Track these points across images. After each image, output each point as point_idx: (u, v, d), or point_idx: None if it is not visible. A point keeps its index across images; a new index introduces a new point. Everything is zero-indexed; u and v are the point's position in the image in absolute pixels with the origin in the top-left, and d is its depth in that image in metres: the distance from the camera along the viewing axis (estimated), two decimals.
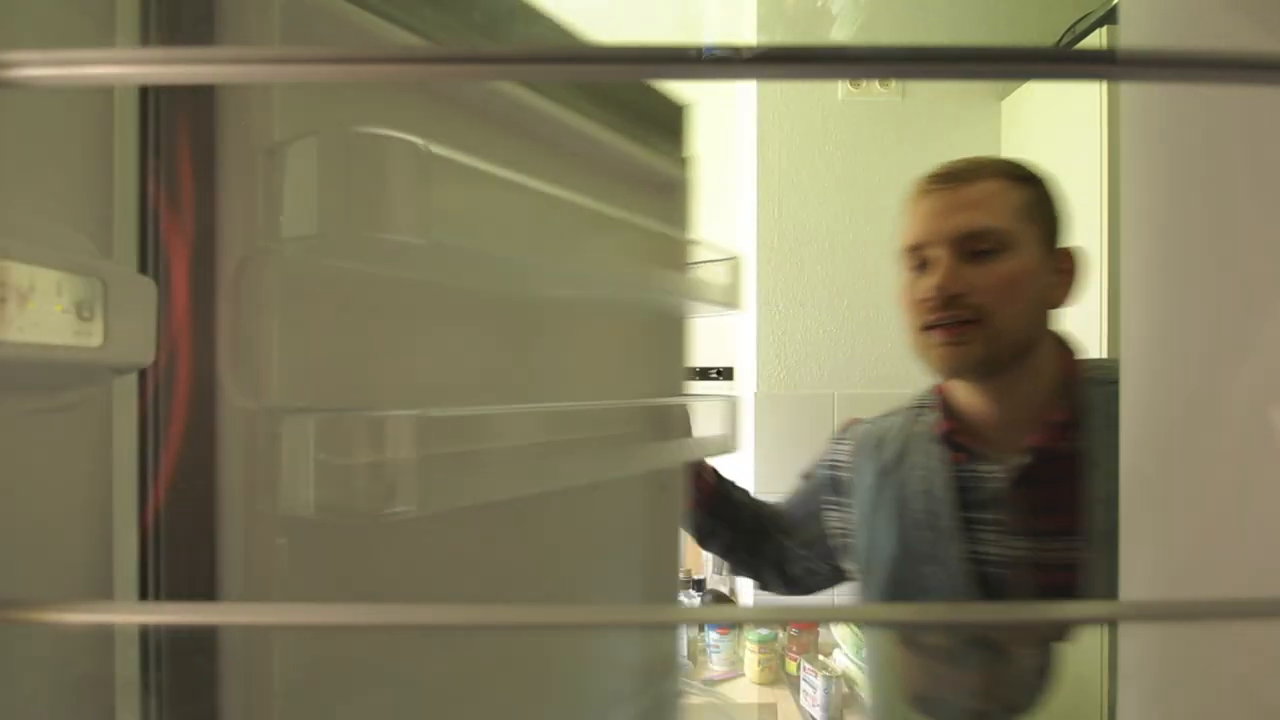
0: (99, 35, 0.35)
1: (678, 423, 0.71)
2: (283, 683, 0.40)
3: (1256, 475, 0.36)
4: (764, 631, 1.71)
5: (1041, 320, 0.84)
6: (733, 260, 0.72)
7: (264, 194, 0.39)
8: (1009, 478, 0.82)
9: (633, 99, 0.72)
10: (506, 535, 0.58)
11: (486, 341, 0.58)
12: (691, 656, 1.80)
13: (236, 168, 0.39)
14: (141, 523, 0.37)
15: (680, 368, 0.79)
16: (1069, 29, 1.67)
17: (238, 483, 0.39)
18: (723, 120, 2.30)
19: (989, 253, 0.80)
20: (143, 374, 0.37)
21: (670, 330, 0.78)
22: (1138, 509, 0.45)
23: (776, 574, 1.08)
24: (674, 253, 0.69)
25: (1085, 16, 1.62)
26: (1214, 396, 0.39)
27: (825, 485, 1.03)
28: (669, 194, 0.77)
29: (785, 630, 1.74)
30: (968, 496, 0.85)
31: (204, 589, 0.39)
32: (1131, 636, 0.44)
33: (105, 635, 0.36)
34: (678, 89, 0.79)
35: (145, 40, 0.36)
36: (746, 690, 1.72)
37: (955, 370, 0.83)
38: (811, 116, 1.90)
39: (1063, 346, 0.87)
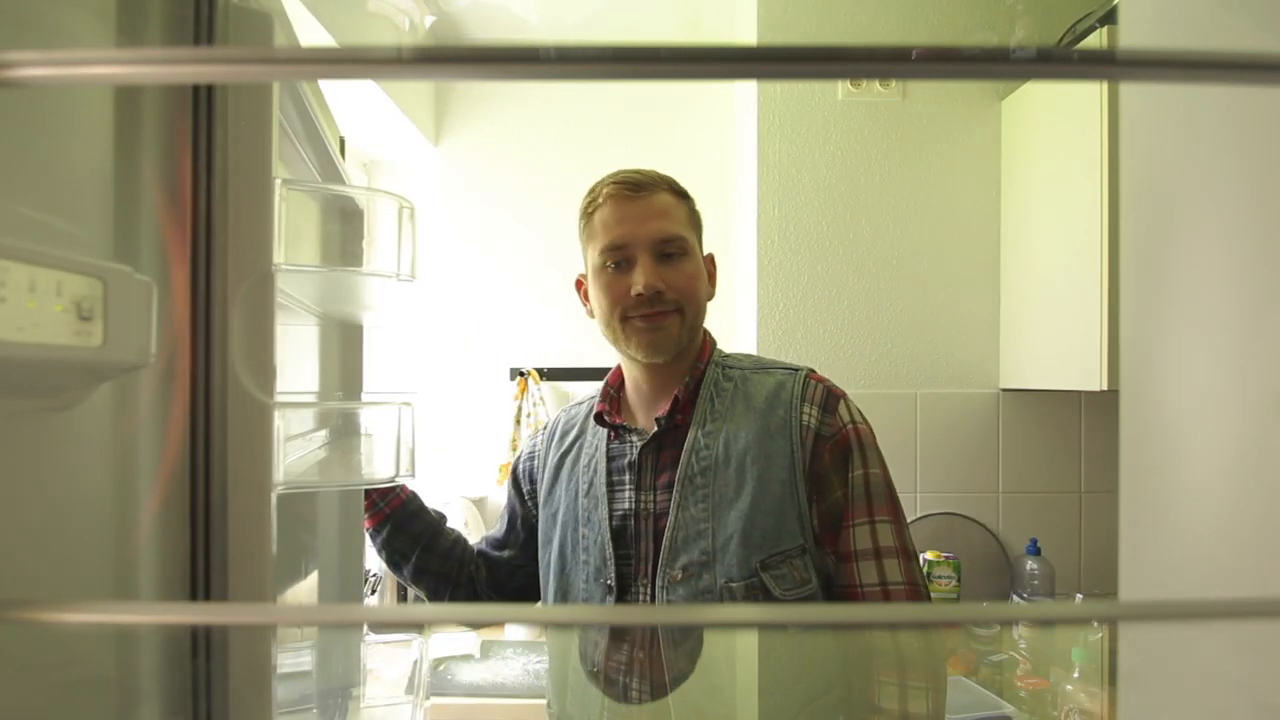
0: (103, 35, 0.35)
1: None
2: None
3: (1256, 475, 0.36)
4: None
5: (705, 311, 1.03)
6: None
7: (276, 221, 0.40)
8: (641, 445, 1.00)
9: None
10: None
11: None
12: None
13: (243, 187, 0.39)
14: (169, 517, 0.37)
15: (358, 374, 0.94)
16: (1069, 29, 1.67)
17: (243, 468, 0.40)
18: (723, 120, 2.30)
19: (675, 255, 0.97)
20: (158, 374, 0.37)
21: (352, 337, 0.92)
22: (1138, 509, 0.45)
23: (489, 594, 1.16)
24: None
25: (1085, 16, 1.62)
26: (1214, 396, 0.39)
27: (522, 478, 1.16)
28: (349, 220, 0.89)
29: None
30: (615, 464, 1.02)
31: (217, 573, 0.39)
32: (1131, 636, 0.44)
33: (111, 634, 0.36)
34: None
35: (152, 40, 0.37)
36: None
37: (655, 350, 0.98)
38: (811, 116, 1.90)
39: (707, 335, 1.07)
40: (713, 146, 2.29)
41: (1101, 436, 1.89)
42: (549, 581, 1.05)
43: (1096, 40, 1.55)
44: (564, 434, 1.11)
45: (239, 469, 0.40)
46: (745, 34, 2.01)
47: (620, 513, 0.99)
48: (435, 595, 1.15)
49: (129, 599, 0.36)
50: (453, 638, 1.92)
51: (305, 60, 0.20)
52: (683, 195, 1.02)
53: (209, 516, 0.41)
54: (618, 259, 0.97)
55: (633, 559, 0.97)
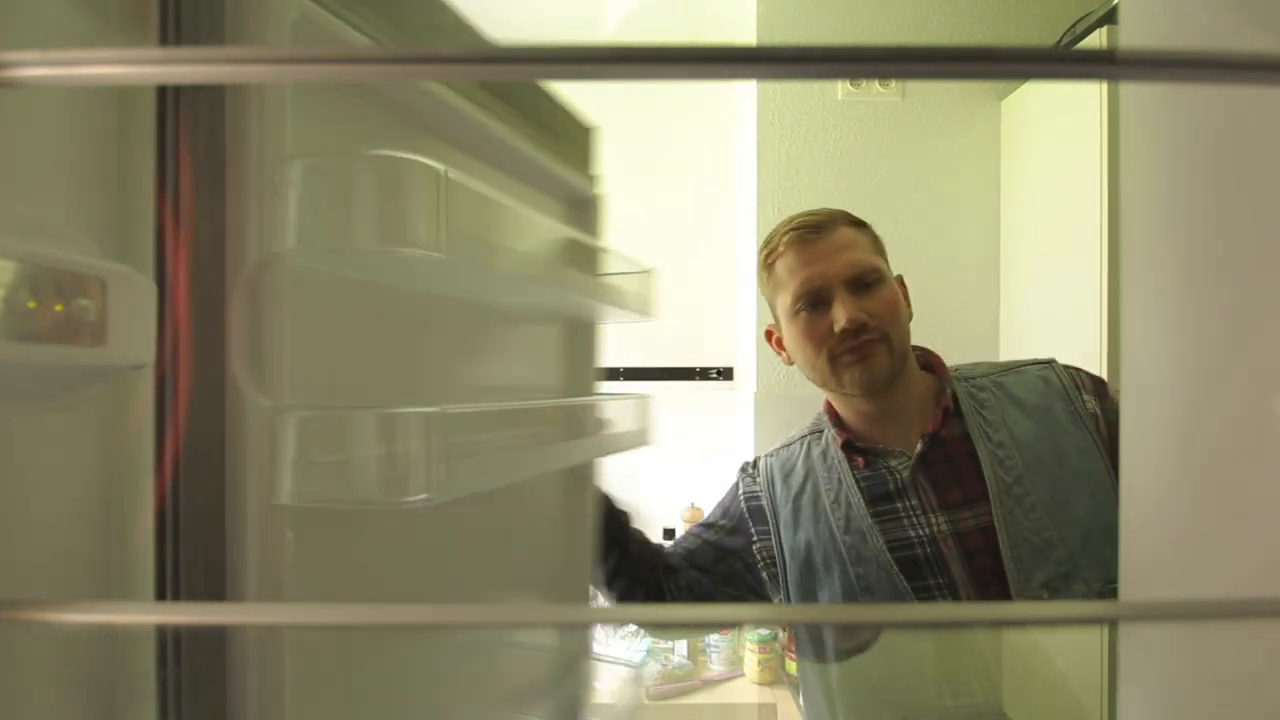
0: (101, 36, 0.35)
1: (591, 421, 0.78)
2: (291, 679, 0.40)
3: (1257, 475, 0.36)
4: (764, 631, 1.71)
5: (909, 333, 0.99)
6: (646, 273, 0.85)
7: (278, 202, 0.40)
8: (912, 466, 0.94)
9: (547, 116, 0.80)
10: (445, 530, 0.61)
11: (442, 343, 0.63)
12: (691, 656, 1.80)
13: (249, 174, 0.39)
14: (159, 519, 0.37)
15: (592, 369, 0.91)
16: (1069, 29, 1.67)
17: (247, 478, 0.39)
18: (723, 120, 2.30)
19: (871, 284, 0.94)
20: (159, 374, 0.37)
21: (584, 335, 0.90)
22: (1138, 509, 0.45)
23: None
24: (593, 264, 0.78)
25: (1085, 16, 1.62)
26: (1214, 396, 0.39)
27: (755, 515, 1.05)
28: (584, 209, 0.89)
29: (785, 630, 1.74)
30: (875, 493, 0.95)
31: (213, 585, 0.39)
32: (1131, 636, 0.44)
33: (106, 635, 0.36)
34: (587, 109, 0.89)
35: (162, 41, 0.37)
36: (746, 690, 1.72)
37: (871, 381, 0.93)
38: (811, 116, 1.90)
39: (925, 352, 1.05)
40: (713, 146, 2.28)
41: None
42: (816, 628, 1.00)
43: (1096, 40, 1.55)
44: (785, 476, 1.05)
45: (241, 469, 0.40)
46: (745, 34, 2.01)
47: (904, 541, 0.93)
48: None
49: (129, 599, 0.36)
50: None
51: (306, 60, 0.21)
52: (861, 225, 1.00)
53: (210, 517, 0.41)
54: (814, 300, 0.94)
55: (941, 587, 0.91)
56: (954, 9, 1.90)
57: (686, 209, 2.27)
